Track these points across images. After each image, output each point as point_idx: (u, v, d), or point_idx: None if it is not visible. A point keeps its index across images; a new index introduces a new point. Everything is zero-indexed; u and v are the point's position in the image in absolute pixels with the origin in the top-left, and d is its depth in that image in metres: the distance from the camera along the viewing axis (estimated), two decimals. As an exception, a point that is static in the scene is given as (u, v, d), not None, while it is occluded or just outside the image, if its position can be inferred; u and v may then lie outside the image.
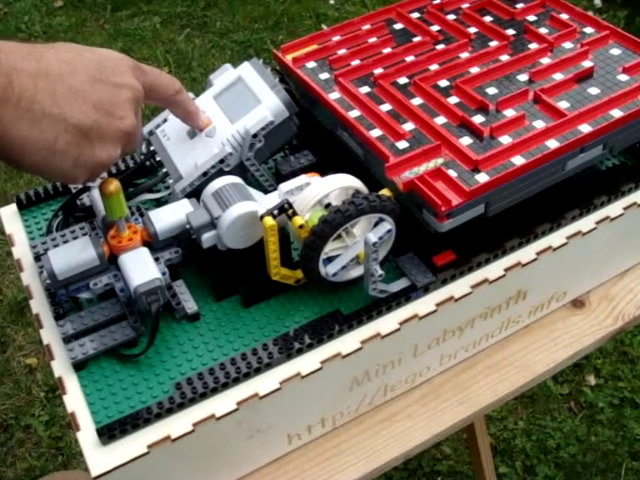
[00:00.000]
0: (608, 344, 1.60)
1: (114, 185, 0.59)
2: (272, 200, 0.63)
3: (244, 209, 0.60)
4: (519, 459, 1.43)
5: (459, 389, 0.74)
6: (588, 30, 0.79)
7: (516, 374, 0.76)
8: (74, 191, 0.73)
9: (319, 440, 0.70)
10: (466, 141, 0.67)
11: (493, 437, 1.46)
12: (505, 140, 0.66)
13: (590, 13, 0.79)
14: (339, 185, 0.63)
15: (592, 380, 1.56)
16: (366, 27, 0.82)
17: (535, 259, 0.69)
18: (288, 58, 0.78)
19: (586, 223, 0.73)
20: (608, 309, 0.82)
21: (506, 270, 0.68)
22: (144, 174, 0.77)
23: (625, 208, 0.74)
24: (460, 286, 0.67)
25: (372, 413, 0.72)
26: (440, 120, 0.69)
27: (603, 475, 1.40)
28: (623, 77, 0.72)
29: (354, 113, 0.71)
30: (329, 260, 0.64)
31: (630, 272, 0.86)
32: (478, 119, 0.69)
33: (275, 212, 0.60)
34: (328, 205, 0.63)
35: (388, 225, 0.62)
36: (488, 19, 0.82)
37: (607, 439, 1.45)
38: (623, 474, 1.40)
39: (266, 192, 0.66)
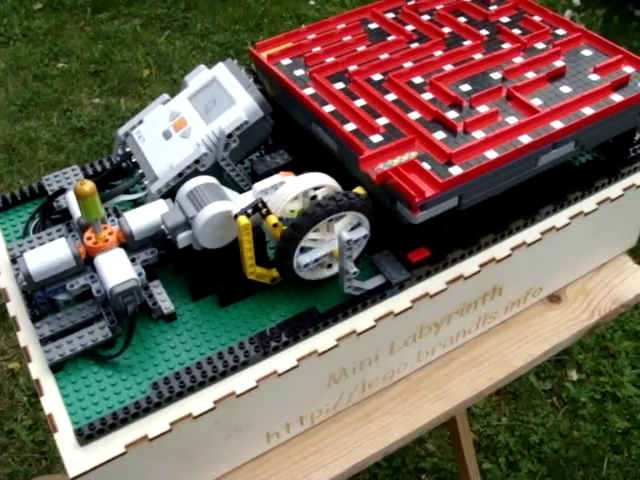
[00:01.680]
0: (589, 339, 1.62)
1: (88, 186, 0.59)
2: (246, 199, 0.63)
3: (218, 209, 0.61)
4: (502, 455, 1.44)
5: (437, 385, 0.75)
6: (560, 32, 0.80)
7: (494, 369, 0.77)
8: (50, 193, 0.73)
9: (298, 438, 0.70)
10: (440, 135, 0.67)
11: (476, 433, 1.47)
12: (478, 135, 0.67)
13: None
14: (313, 184, 0.63)
15: (574, 375, 1.57)
16: (341, 26, 0.83)
17: (509, 255, 0.70)
18: (263, 55, 0.78)
19: (560, 218, 0.73)
20: (584, 304, 0.83)
21: (481, 266, 0.69)
22: (120, 175, 0.77)
23: (599, 203, 0.75)
24: (435, 282, 0.68)
25: (350, 410, 0.72)
26: (414, 115, 0.70)
27: (585, 469, 1.41)
28: (594, 77, 0.73)
29: (328, 108, 0.71)
30: (303, 250, 0.64)
31: (606, 267, 0.86)
32: (452, 114, 0.69)
33: (249, 211, 0.60)
34: (314, 197, 0.63)
35: (365, 230, 0.63)
36: (462, 20, 0.82)
37: (589, 433, 1.46)
38: (605, 468, 1.41)
39: (242, 192, 0.67)
